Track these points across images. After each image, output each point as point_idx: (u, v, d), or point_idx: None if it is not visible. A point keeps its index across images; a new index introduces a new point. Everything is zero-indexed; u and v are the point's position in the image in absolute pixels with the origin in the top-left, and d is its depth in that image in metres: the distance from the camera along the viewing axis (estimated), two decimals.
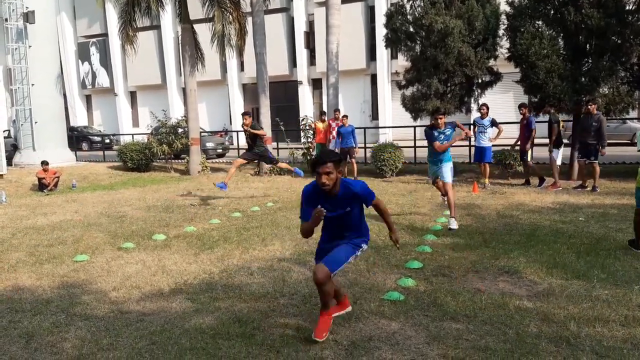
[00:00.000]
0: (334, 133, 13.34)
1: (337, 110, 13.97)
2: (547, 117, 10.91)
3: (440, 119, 7.41)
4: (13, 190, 13.27)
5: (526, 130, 10.77)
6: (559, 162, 10.73)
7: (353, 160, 13.24)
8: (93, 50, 36.99)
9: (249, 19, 15.94)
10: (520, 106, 11.04)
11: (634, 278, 4.86)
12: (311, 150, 15.07)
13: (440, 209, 8.71)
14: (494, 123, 10.98)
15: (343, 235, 3.96)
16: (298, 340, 3.77)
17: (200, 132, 17.79)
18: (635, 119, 19.23)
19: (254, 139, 10.13)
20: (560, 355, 3.41)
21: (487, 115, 11.07)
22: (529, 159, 10.96)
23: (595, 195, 9.49)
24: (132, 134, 22.48)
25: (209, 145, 21.48)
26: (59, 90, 17.15)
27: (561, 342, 3.59)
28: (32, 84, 16.10)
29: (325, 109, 16.37)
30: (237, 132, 22.98)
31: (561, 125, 10.93)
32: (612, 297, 4.39)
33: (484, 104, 11.28)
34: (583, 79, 10.65)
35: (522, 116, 10.98)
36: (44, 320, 4.36)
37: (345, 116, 13.50)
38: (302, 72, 30.43)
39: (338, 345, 3.70)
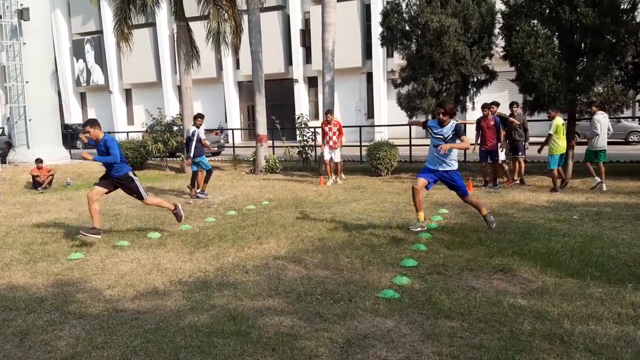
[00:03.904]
0: (332, 138, 12.20)
1: (329, 111, 12.49)
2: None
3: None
4: (7, 188, 13.21)
5: (495, 130, 10.74)
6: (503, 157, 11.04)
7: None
8: (88, 47, 36.84)
9: (245, 17, 15.90)
10: (492, 104, 10.88)
11: (627, 276, 4.89)
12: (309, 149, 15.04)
13: (435, 207, 8.73)
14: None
15: None
16: (293, 338, 3.77)
17: None
18: (630, 117, 19.32)
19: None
20: (553, 353, 3.43)
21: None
22: (502, 158, 11.01)
23: (589, 194, 9.53)
24: (127, 132, 22.39)
25: None
26: (54, 88, 17.04)
27: (555, 340, 3.61)
28: (27, 82, 15.99)
29: (321, 107, 16.33)
30: (233, 130, 23.00)
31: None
32: (605, 295, 4.41)
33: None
34: (578, 77, 10.69)
35: (487, 115, 10.78)
36: (38, 319, 4.35)
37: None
38: (298, 70, 30.41)
39: (333, 343, 3.70)
